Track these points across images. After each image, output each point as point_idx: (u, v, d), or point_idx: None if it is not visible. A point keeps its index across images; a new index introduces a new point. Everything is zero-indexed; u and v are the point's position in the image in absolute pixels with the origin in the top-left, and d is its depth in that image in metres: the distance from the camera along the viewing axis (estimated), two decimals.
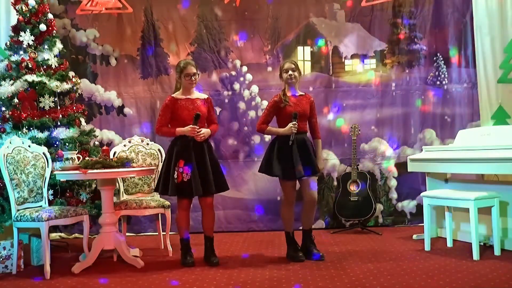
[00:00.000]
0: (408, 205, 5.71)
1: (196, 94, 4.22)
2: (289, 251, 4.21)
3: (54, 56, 4.90)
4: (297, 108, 4.09)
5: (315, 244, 4.21)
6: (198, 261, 4.12)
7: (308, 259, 4.10)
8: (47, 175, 4.29)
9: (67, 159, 4.07)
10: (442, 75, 5.76)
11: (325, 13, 5.80)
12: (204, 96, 4.27)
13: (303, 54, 5.78)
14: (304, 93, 4.28)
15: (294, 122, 4.01)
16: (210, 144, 4.19)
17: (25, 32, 4.80)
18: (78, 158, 4.16)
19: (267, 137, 5.73)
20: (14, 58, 4.78)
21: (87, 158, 4.19)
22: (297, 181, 4.19)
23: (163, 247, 4.70)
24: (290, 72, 4.13)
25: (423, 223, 4.55)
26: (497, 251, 4.04)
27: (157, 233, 4.89)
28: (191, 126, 3.97)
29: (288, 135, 4.03)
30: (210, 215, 4.14)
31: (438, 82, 5.77)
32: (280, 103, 4.14)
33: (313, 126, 4.25)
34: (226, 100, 5.77)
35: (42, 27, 4.83)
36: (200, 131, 3.98)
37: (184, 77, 4.08)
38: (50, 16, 4.99)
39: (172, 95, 4.16)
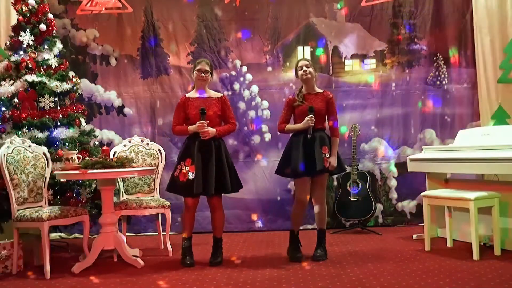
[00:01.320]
0: (408, 205, 5.71)
1: (210, 93, 4.21)
2: (289, 249, 4.20)
3: (54, 56, 4.90)
4: (311, 104, 4.08)
5: (322, 245, 4.16)
6: (198, 261, 4.12)
7: (312, 259, 4.07)
8: (47, 175, 4.29)
9: (67, 159, 4.07)
10: (442, 75, 5.76)
11: (325, 13, 5.80)
12: (219, 94, 4.24)
13: (303, 54, 5.78)
14: (322, 91, 4.21)
15: (310, 116, 3.99)
16: (220, 143, 4.08)
17: (25, 32, 4.79)
18: (78, 158, 4.16)
19: (267, 137, 5.76)
20: (14, 58, 4.77)
21: (87, 158, 4.19)
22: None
23: (163, 247, 4.70)
24: (304, 68, 4.11)
25: (423, 223, 4.55)
26: (497, 251, 4.04)
27: (157, 233, 4.89)
28: (199, 121, 3.97)
29: (304, 131, 4.03)
30: (215, 215, 4.13)
31: (438, 82, 5.78)
32: (294, 101, 4.16)
33: (332, 125, 4.16)
34: None
35: (42, 27, 4.82)
36: (206, 128, 3.97)
37: (196, 72, 4.11)
38: (50, 16, 4.98)
39: (185, 94, 4.23)
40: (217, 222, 4.13)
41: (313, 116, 3.99)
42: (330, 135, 4.16)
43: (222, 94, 4.27)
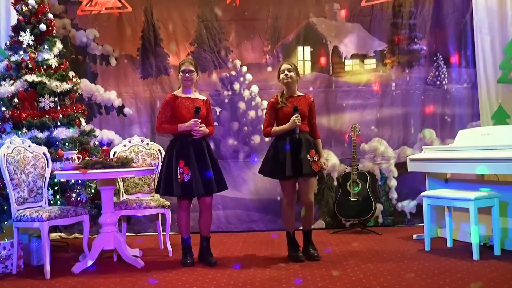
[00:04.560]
0: (408, 205, 5.71)
1: (196, 95, 4.26)
2: (289, 251, 4.20)
3: (54, 56, 4.90)
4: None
5: (313, 244, 4.19)
6: (198, 261, 4.12)
7: (307, 259, 4.09)
8: (47, 175, 4.29)
9: (67, 159, 4.07)
10: (442, 75, 5.76)
11: (325, 13, 5.80)
12: (204, 97, 4.29)
13: (303, 54, 5.78)
14: (303, 94, 4.28)
15: (296, 115, 4.00)
16: (208, 143, 4.19)
17: (25, 32, 4.79)
18: (78, 158, 4.15)
19: (267, 137, 5.72)
20: (14, 58, 4.78)
21: (87, 158, 4.19)
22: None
23: (163, 247, 4.70)
24: (286, 72, 4.13)
25: (423, 223, 4.55)
26: (497, 251, 4.05)
27: (157, 233, 4.89)
28: (193, 120, 3.98)
29: (290, 132, 4.04)
30: (208, 215, 4.14)
31: (438, 82, 5.77)
32: (277, 104, 4.17)
33: (312, 127, 4.23)
34: (226, 100, 5.77)
35: (42, 27, 4.83)
36: (201, 126, 4.00)
37: (181, 73, 4.14)
38: (50, 16, 4.99)
39: (173, 93, 4.24)
40: (207, 221, 4.15)
41: (299, 116, 4.00)
42: (313, 137, 4.21)
43: (206, 98, 4.33)
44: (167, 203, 4.57)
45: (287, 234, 4.22)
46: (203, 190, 3.95)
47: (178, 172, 3.97)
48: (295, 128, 4.02)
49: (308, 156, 4.03)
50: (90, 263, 3.95)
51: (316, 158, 4.07)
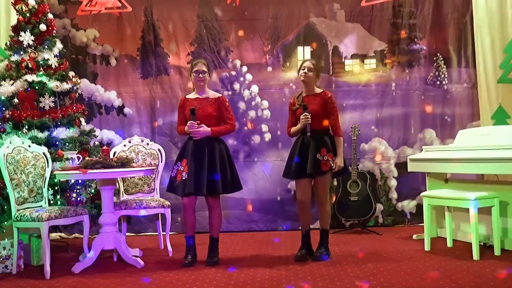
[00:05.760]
0: (408, 205, 5.71)
1: (209, 94, 4.21)
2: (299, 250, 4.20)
3: (54, 56, 4.90)
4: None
5: (324, 245, 4.16)
6: (198, 261, 4.11)
7: (313, 259, 4.08)
8: (47, 175, 4.29)
9: (67, 159, 4.07)
10: (442, 75, 5.76)
11: (325, 13, 5.80)
12: (217, 95, 4.23)
13: (303, 54, 5.78)
14: (321, 91, 4.21)
15: (304, 114, 4.01)
16: (215, 143, 4.06)
17: (25, 32, 4.79)
18: (78, 158, 4.16)
19: (267, 137, 5.76)
20: (14, 58, 4.78)
21: (87, 158, 4.20)
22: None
23: (163, 247, 4.70)
24: (306, 70, 4.11)
25: (423, 223, 4.55)
26: (497, 251, 4.04)
27: (157, 233, 4.89)
28: (189, 122, 4.00)
29: (304, 131, 4.07)
30: (212, 215, 4.13)
31: (438, 82, 5.78)
32: (293, 105, 4.21)
33: (331, 124, 4.15)
34: None
35: (42, 27, 4.82)
36: (199, 127, 3.99)
37: (193, 74, 4.12)
38: (50, 16, 4.98)
39: (186, 96, 4.27)
40: (212, 222, 4.14)
41: (307, 114, 4.00)
42: (333, 134, 4.18)
43: (220, 95, 4.25)
44: (167, 203, 4.57)
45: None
46: (193, 189, 3.91)
47: (178, 170, 4.00)
48: (306, 127, 4.03)
49: (317, 155, 4.02)
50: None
51: (326, 158, 4.03)
